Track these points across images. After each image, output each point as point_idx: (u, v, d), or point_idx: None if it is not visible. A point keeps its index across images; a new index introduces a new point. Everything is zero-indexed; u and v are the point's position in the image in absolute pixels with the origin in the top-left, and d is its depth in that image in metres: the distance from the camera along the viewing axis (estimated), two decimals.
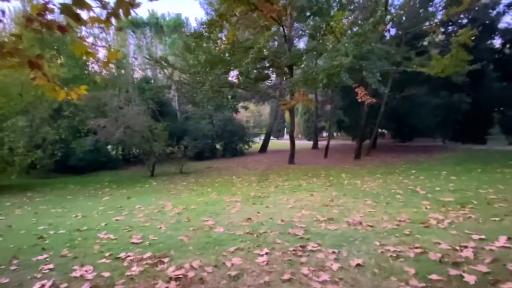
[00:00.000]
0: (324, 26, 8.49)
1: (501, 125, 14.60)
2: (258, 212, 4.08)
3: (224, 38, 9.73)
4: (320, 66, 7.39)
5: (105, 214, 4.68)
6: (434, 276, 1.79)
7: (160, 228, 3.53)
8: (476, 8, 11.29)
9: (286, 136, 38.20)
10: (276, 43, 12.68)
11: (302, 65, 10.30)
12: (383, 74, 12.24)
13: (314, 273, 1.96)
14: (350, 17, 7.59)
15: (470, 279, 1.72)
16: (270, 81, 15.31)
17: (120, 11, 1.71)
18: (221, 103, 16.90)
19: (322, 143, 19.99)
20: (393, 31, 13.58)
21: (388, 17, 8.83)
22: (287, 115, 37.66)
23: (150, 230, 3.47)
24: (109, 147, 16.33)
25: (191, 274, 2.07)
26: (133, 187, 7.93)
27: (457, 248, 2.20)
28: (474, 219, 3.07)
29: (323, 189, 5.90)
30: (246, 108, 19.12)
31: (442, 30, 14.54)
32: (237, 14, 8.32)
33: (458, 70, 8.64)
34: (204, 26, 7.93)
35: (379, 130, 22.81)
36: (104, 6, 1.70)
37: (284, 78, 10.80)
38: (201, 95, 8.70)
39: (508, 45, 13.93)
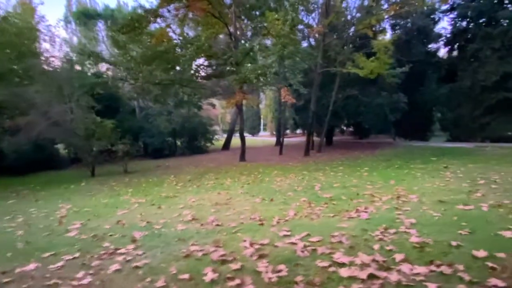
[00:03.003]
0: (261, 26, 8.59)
1: (440, 123, 15.87)
2: (141, 214, 4.10)
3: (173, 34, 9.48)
4: (251, 66, 7.50)
5: None
6: (184, 276, 1.91)
7: (18, 233, 3.43)
8: (414, 14, 12.07)
9: (262, 133, 38.34)
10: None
11: (249, 64, 10.36)
12: (332, 74, 12.78)
13: (85, 276, 2.01)
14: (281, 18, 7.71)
15: (209, 277, 1.86)
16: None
17: None
18: (188, 99, 16.54)
19: (289, 140, 20.43)
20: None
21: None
22: (263, 112, 38.03)
23: (4, 236, 3.35)
24: (59, 145, 15.43)
25: None
26: (57, 189, 7.58)
27: (248, 246, 2.36)
28: (314, 215, 3.32)
29: (239, 187, 6.05)
30: (212, 105, 18.91)
31: (392, 32, 15.36)
32: (170, 10, 8.11)
33: (383, 72, 9.18)
34: (132, 21, 7.63)
35: (343, 127, 23.85)
36: None
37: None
38: (132, 92, 8.44)
39: (444, 49, 15.18)
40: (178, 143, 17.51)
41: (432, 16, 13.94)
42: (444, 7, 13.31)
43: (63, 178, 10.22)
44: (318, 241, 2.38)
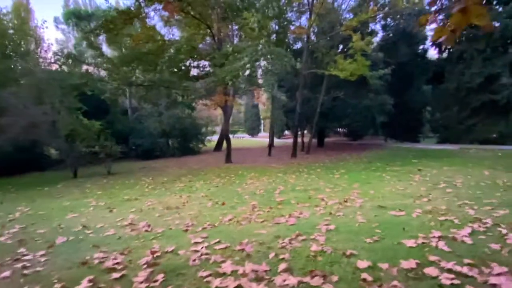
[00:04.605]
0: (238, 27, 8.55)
1: (431, 125, 15.51)
2: (87, 218, 4.10)
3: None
4: (225, 68, 7.46)
5: None
6: (59, 284, 1.88)
7: None
8: (403, 14, 11.85)
9: (262, 133, 38.01)
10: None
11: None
12: (320, 76, 12.63)
13: None
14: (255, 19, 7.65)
15: (83, 286, 1.83)
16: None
17: None
18: (182, 100, 16.57)
19: (286, 141, 20.23)
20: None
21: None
22: (262, 113, 37.76)
23: None
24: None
25: None
26: (30, 191, 7.65)
27: (149, 254, 2.32)
28: (245, 221, 3.26)
29: (205, 190, 6.00)
30: (206, 105, 18.88)
31: (383, 34, 15.10)
32: (147, 12, 8.15)
33: (367, 74, 9.02)
34: (107, 22, 7.66)
35: (337, 129, 23.59)
36: None
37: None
38: (107, 94, 8.50)
39: (434, 51, 14.86)
40: (171, 144, 17.54)
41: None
42: (433, 8, 12.97)
43: (45, 179, 10.35)
44: (222, 248, 2.33)
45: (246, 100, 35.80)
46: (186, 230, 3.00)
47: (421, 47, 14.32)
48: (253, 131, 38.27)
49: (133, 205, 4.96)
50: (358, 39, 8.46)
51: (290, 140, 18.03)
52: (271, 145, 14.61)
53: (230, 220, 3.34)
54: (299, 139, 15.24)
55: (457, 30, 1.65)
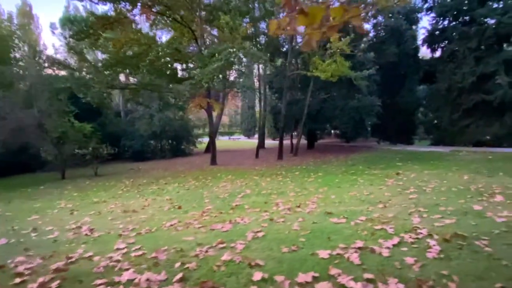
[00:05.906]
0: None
1: (424, 126, 15.23)
2: (45, 220, 4.19)
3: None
4: (203, 70, 7.51)
5: None
6: None
7: None
8: (391, 15, 11.73)
9: (257, 135, 37.80)
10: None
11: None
12: (309, 77, 12.56)
13: None
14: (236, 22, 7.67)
15: None
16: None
17: None
18: (175, 102, 16.76)
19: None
20: None
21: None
22: (257, 115, 37.73)
23: None
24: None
25: None
26: (12, 192, 7.86)
27: (64, 258, 2.35)
28: (183, 226, 3.26)
29: (173, 193, 6.06)
30: (194, 108, 19.05)
31: (373, 33, 14.96)
32: (127, 16, 8.27)
33: (351, 74, 8.93)
34: (87, 29, 7.83)
35: (331, 130, 23.41)
36: None
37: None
38: (89, 97, 8.66)
39: (426, 51, 14.59)
40: (162, 145, 17.69)
41: (412, 16, 13.48)
42: (425, 5, 12.85)
43: (34, 181, 10.58)
44: (136, 255, 2.35)
45: (241, 102, 35.73)
46: (120, 235, 3.03)
47: (413, 46, 14.11)
48: (249, 132, 38.00)
49: (97, 207, 5.03)
50: (336, 39, 8.39)
51: (283, 142, 18.06)
52: (259, 147, 14.60)
53: (171, 225, 3.36)
54: (288, 141, 15.20)
55: (329, 33, 1.57)
